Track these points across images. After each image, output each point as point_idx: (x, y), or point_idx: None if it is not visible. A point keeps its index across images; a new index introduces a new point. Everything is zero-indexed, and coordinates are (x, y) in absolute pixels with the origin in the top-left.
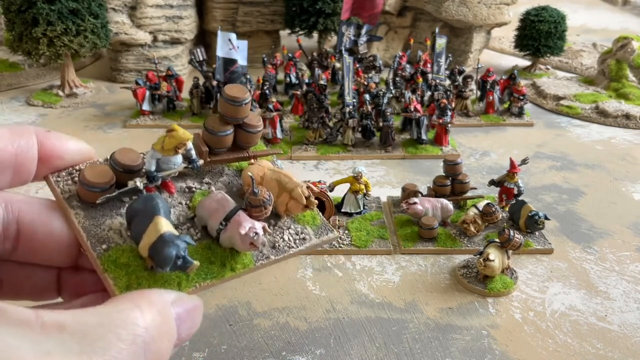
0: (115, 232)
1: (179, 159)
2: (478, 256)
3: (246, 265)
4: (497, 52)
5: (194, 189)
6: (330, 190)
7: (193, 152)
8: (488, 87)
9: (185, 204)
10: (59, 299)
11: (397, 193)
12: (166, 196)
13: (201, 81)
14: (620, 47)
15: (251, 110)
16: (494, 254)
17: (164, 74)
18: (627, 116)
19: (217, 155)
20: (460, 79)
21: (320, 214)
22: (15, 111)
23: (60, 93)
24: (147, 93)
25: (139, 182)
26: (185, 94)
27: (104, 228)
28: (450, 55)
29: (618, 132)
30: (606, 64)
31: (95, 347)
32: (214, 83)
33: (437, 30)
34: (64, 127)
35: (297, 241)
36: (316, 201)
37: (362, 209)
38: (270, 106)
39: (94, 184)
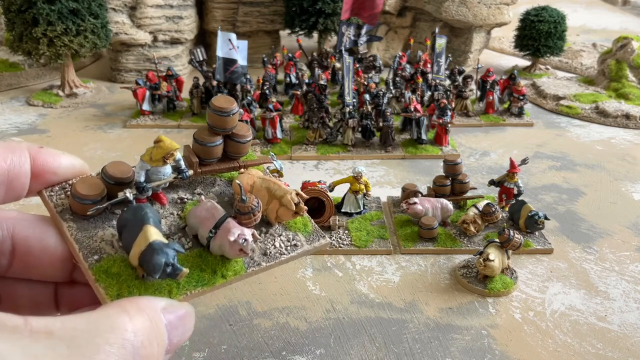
0: (107, 243)
1: (168, 169)
2: (478, 256)
3: (237, 272)
4: (497, 52)
5: (185, 199)
6: (330, 190)
7: (182, 163)
8: (488, 87)
9: (177, 214)
10: (58, 314)
11: (397, 193)
12: (158, 207)
13: (201, 81)
14: (620, 47)
15: (240, 120)
16: (493, 254)
17: (164, 74)
18: (627, 116)
19: (208, 166)
20: (460, 79)
21: (312, 220)
22: (15, 111)
23: (60, 93)
24: (147, 93)
25: (129, 193)
26: (185, 94)
27: (96, 239)
28: (450, 55)
29: (618, 132)
30: (606, 64)
31: (83, 351)
32: (214, 83)
33: (437, 30)
34: (64, 127)
35: (289, 248)
36: (305, 207)
37: (362, 209)
38: (270, 106)
39: (85, 196)
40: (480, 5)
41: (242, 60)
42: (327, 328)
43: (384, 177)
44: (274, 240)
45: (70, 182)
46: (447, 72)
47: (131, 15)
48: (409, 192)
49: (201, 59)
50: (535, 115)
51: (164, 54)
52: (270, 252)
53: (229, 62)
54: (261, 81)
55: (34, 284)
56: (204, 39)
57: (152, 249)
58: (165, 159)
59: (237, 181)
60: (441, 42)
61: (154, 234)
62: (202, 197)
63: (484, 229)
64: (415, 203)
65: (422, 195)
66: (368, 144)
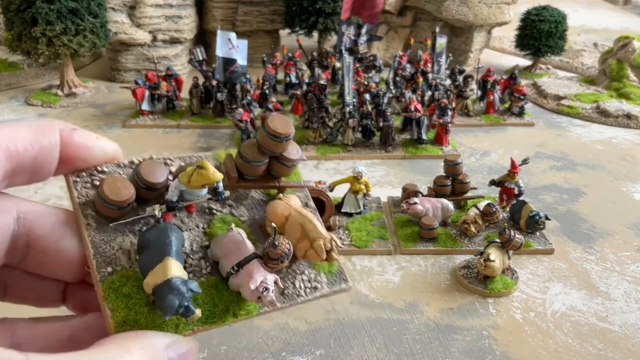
0: (124, 252)
1: (204, 191)
2: (478, 256)
3: (250, 312)
4: (498, 52)
5: (214, 210)
6: (330, 191)
7: (221, 184)
8: (488, 86)
9: (203, 228)
10: (62, 307)
11: (397, 193)
12: (184, 216)
13: (201, 81)
14: (621, 46)
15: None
16: (494, 254)
17: (164, 73)
18: (628, 116)
19: (246, 182)
20: (460, 78)
21: (339, 261)
22: (14, 111)
23: (60, 93)
24: (147, 93)
25: (158, 211)
26: (184, 93)
27: (114, 246)
28: (450, 54)
29: (619, 132)
30: (607, 64)
31: None
32: (214, 83)
33: (437, 29)
34: None
35: (308, 290)
36: (337, 257)
37: (362, 209)
38: (270, 106)
39: (111, 201)
40: (481, 4)
41: (241, 59)
42: (327, 328)
43: (384, 177)
44: (295, 278)
45: (99, 168)
46: (448, 71)
47: (130, 14)
48: (409, 192)
49: (201, 58)
50: (536, 115)
51: (163, 54)
52: (288, 292)
53: (229, 62)
54: (261, 81)
55: (43, 279)
56: (204, 38)
57: (169, 286)
58: (205, 186)
59: (273, 224)
60: (441, 41)
61: (174, 268)
62: (232, 226)
63: (484, 229)
64: (415, 203)
65: (423, 195)
66: (368, 144)
